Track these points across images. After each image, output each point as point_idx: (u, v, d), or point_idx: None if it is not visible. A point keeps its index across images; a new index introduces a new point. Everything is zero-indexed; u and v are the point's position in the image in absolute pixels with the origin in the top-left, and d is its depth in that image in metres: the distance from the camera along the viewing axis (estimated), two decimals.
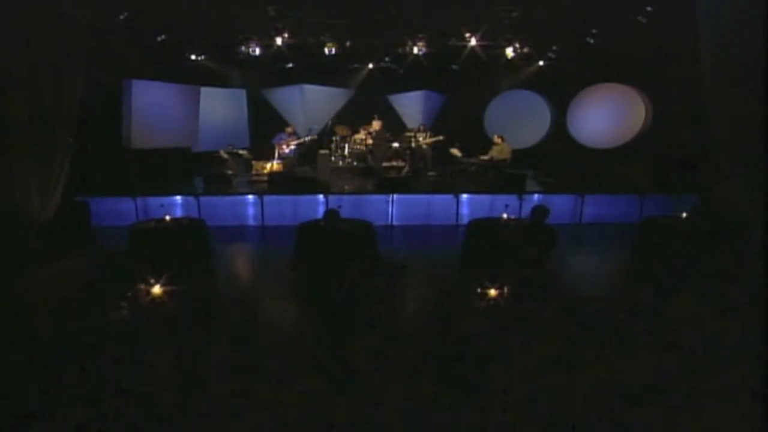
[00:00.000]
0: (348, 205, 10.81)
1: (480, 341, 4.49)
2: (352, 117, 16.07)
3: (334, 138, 15.18)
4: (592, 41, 14.18)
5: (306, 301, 6.52)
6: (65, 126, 9.46)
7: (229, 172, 12.97)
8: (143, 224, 7.98)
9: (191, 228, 7.98)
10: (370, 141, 14.02)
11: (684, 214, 8.33)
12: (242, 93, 17.48)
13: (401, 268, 7.21)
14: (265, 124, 16.14)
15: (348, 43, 15.07)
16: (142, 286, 4.91)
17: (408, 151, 13.59)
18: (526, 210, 10.78)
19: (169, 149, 14.67)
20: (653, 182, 12.01)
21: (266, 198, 10.89)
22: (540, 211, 6.81)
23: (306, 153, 14.67)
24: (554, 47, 15.57)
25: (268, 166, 13.23)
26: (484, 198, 10.96)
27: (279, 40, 14.17)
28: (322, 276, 6.96)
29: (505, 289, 4.67)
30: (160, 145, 14.36)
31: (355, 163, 14.42)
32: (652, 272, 7.46)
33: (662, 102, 13.55)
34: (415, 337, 5.06)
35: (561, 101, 15.77)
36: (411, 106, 18.14)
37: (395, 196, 10.80)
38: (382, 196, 10.82)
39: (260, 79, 17.21)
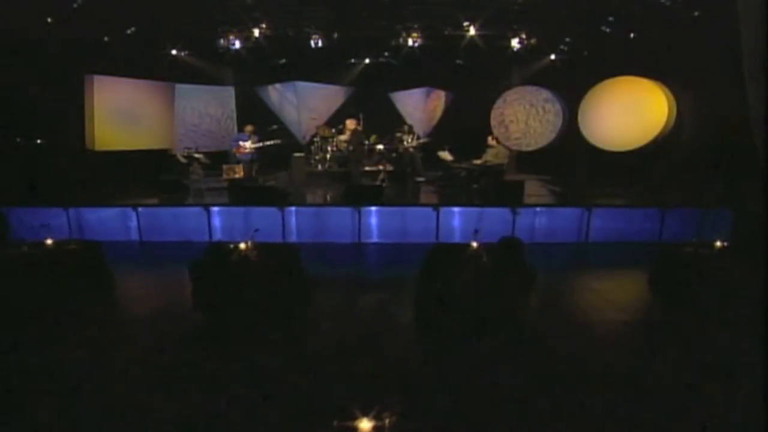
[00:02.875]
0: (309, 218, 8.70)
1: None
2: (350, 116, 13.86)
3: (314, 140, 13.03)
4: (608, 30, 11.72)
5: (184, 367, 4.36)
6: None
7: (195, 177, 10.97)
8: (11, 250, 5.92)
9: (79, 254, 5.93)
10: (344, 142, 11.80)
11: (718, 243, 5.87)
12: (230, 90, 15.46)
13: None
14: (257, 124, 13.95)
15: (335, 35, 12.90)
16: None
17: (393, 155, 11.36)
18: (522, 226, 8.57)
19: (141, 152, 12.77)
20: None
21: (219, 210, 8.81)
22: (507, 245, 4.53)
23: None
24: (567, 39, 13.13)
25: (238, 170, 11.18)
26: (471, 211, 8.68)
27: (264, 33, 12.13)
28: (221, 325, 4.87)
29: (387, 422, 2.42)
30: (128, 147, 12.47)
31: (336, 168, 12.21)
32: (671, 335, 5.05)
33: (689, 97, 11.02)
34: None
35: (573, 97, 13.30)
36: (413, 104, 15.99)
37: (365, 208, 8.57)
38: (348, 209, 8.61)
39: (249, 76, 15.21)
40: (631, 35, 11.75)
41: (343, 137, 11.98)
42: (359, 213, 8.48)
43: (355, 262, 7.87)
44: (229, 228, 8.74)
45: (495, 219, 8.54)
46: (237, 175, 11.16)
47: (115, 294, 6.13)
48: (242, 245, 5.39)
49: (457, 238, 8.61)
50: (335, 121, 13.93)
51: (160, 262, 7.78)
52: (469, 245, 5.39)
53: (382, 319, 5.40)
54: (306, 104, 15.53)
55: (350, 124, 10.59)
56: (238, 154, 11.59)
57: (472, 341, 4.52)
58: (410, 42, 12.53)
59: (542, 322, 5.19)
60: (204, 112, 14.87)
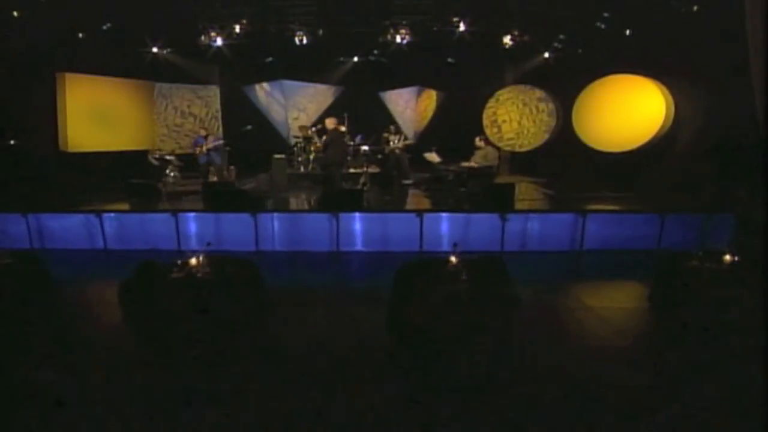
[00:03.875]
0: (284, 225, 8.00)
1: None
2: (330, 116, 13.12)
3: (297, 141, 12.31)
4: (603, 27, 11.02)
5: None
6: None
7: (171, 180, 10.26)
8: None
9: (13, 269, 5.20)
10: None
11: (727, 256, 5.14)
12: (215, 90, 14.74)
13: None
14: (243, 124, 13.09)
15: (324, 33, 12.19)
16: None
17: (378, 156, 10.65)
18: (512, 233, 7.89)
19: (118, 153, 12.06)
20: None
21: (187, 216, 8.09)
22: (487, 266, 3.84)
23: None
24: (561, 36, 12.41)
25: (216, 172, 10.49)
26: (457, 218, 7.98)
27: (250, 30, 11.42)
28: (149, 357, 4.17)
29: None
30: (104, 149, 11.77)
31: (319, 170, 11.46)
32: (677, 362, 4.34)
33: (688, 96, 10.34)
34: None
35: (567, 96, 12.61)
36: (403, 103, 15.32)
37: (343, 214, 7.84)
38: (325, 215, 7.89)
39: (235, 75, 14.50)
40: (627, 32, 11.04)
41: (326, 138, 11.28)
42: (337, 219, 7.78)
43: (329, 273, 7.17)
44: (201, 235, 8.02)
45: (483, 226, 7.85)
46: (214, 178, 10.50)
47: (45, 315, 5.33)
48: (192, 260, 4.70)
49: (444, 246, 7.94)
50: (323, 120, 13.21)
51: (118, 274, 7.06)
52: (447, 260, 4.70)
53: (349, 343, 4.69)
54: (294, 103, 14.88)
55: (329, 123, 9.85)
56: (198, 157, 10.91)
57: (447, 375, 3.84)
58: (398, 39, 11.83)
59: (528, 347, 4.48)
60: (187, 111, 14.18)
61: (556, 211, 8.45)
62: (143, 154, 12.14)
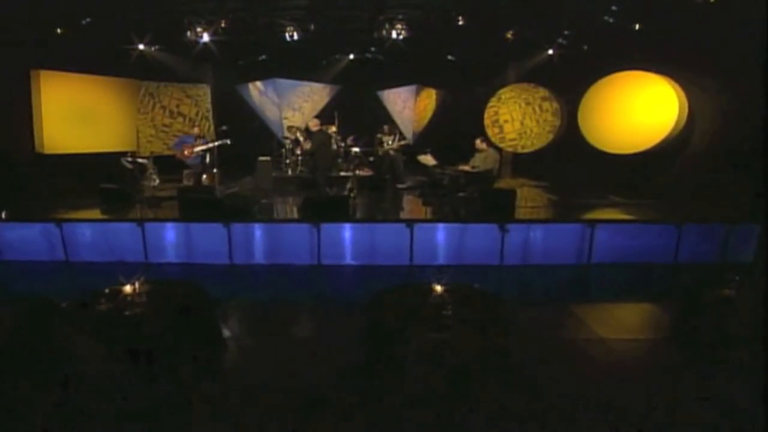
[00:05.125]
0: (262, 235, 7.09)
1: None
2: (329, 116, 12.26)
3: (286, 142, 11.41)
4: (611, 21, 10.07)
5: None
6: None
7: (154, 184, 9.40)
8: None
9: None
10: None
11: None
12: (205, 89, 13.86)
13: None
14: (235, 125, 12.09)
15: (318, 29, 11.31)
16: None
17: (370, 158, 9.75)
18: (513, 244, 6.97)
19: (101, 155, 11.18)
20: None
21: (154, 226, 7.17)
22: (478, 304, 2.93)
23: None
24: (566, 31, 11.47)
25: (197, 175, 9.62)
26: (453, 228, 7.05)
27: (242, 28, 10.59)
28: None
29: None
30: (84, 150, 10.92)
31: (307, 173, 10.54)
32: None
33: (703, 93, 9.39)
34: None
35: (573, 95, 11.68)
36: (401, 102, 14.39)
37: (325, 224, 6.91)
38: (306, 225, 6.97)
39: (226, 74, 13.64)
40: (637, 26, 10.09)
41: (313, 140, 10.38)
42: (318, 230, 6.86)
43: (304, 290, 6.26)
44: (170, 246, 7.13)
45: (480, 237, 6.92)
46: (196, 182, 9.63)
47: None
48: (126, 288, 3.82)
49: (437, 259, 7.05)
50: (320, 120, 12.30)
51: (69, 288, 6.18)
52: (430, 289, 3.80)
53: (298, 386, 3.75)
54: (288, 102, 13.98)
55: (313, 125, 8.91)
56: (185, 159, 9.95)
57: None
58: (394, 34, 10.92)
59: (524, 396, 3.54)
60: (176, 111, 13.29)
61: (561, 220, 7.51)
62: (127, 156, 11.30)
